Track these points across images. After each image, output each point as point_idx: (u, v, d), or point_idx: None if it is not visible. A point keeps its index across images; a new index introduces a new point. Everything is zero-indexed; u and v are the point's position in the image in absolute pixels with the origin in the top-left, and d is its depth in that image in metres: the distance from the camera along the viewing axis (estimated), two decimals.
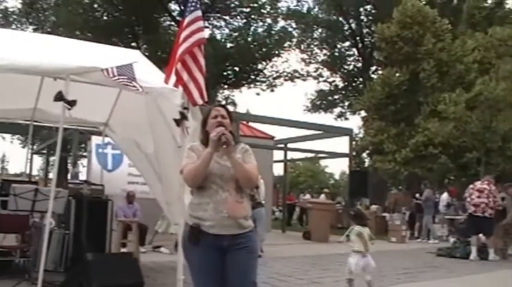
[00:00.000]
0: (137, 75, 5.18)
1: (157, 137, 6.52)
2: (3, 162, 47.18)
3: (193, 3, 5.33)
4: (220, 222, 3.12)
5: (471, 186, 11.32)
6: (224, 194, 3.17)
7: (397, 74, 21.01)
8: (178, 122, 5.47)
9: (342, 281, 7.47)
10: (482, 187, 10.93)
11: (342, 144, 26.25)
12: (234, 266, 3.16)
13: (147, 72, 5.83)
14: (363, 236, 5.96)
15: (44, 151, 22.51)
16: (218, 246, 3.13)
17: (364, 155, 27.91)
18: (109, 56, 6.01)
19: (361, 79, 32.97)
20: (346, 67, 35.01)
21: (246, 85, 35.03)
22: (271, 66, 34.09)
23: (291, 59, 79.03)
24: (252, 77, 34.43)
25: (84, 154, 17.84)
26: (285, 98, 75.60)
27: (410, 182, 22.40)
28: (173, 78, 5.34)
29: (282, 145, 18.36)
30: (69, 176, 11.66)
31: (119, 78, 4.94)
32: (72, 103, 4.85)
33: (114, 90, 6.63)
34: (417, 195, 16.87)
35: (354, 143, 20.39)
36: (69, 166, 15.24)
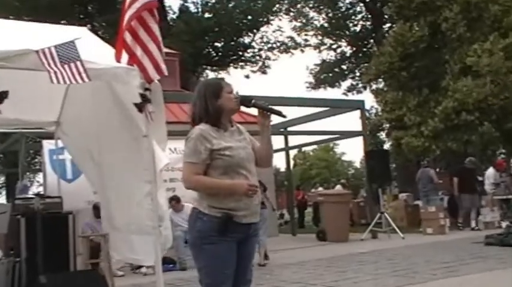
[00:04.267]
0: (83, 55, 5.14)
1: (110, 134, 6.49)
2: None
3: None
4: (252, 210, 3.57)
5: None
6: (253, 179, 3.59)
7: (416, 29, 20.53)
8: (140, 107, 5.44)
9: (361, 282, 7.51)
10: None
11: (354, 122, 26.24)
12: (247, 253, 3.67)
13: (96, 51, 5.78)
14: None
15: None
16: (243, 235, 3.56)
17: (382, 134, 27.69)
18: (48, 35, 5.93)
19: (372, 41, 32.74)
20: (352, 29, 34.80)
21: (232, 64, 34.93)
22: (261, 38, 33.99)
23: (284, 27, 78.30)
24: (239, 53, 34.32)
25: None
26: (282, 78, 75.30)
27: (449, 160, 22.04)
28: (125, 55, 5.31)
29: (282, 129, 18.33)
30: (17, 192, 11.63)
31: (59, 65, 4.88)
32: (3, 95, 4.81)
33: None
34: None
35: (367, 119, 20.24)
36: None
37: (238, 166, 3.52)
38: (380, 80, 24.04)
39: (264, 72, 35.52)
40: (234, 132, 3.68)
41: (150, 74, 5.15)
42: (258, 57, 34.98)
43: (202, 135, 3.51)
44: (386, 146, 28.64)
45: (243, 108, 3.81)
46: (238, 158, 3.53)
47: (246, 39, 33.67)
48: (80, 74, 4.84)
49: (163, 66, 5.18)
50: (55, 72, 4.68)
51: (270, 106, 3.66)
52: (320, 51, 35.50)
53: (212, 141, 3.50)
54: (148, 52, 5.12)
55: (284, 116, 3.71)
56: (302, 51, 35.65)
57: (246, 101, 3.66)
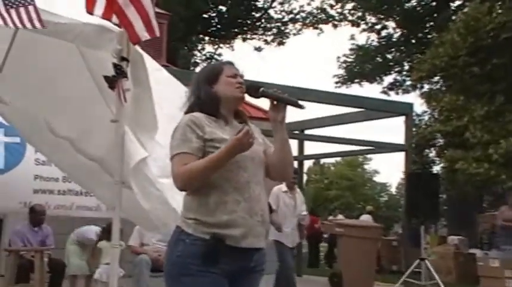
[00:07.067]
0: (39, 1, 5.05)
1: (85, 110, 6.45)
2: None
3: None
4: (254, 229, 3.52)
5: None
6: (257, 188, 3.59)
7: (498, 11, 19.98)
8: (111, 82, 5.33)
9: None
10: None
11: (395, 132, 26.22)
12: None
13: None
14: None
15: None
16: (238, 267, 3.51)
17: (433, 151, 27.37)
18: None
19: (431, 24, 32.35)
20: (406, 5, 34.38)
21: (240, 37, 34.89)
22: (281, 3, 33.86)
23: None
24: (249, 21, 34.26)
25: None
26: (304, 64, 75.35)
27: None
28: (101, 2, 5.17)
29: (296, 132, 18.28)
30: None
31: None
32: None
33: (6, 30, 6.51)
34: None
35: (415, 129, 20.10)
36: None
37: (238, 165, 3.50)
38: (436, 79, 23.90)
39: (281, 42, 35.32)
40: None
41: (137, 31, 5.04)
42: (273, 29, 34.99)
43: (193, 121, 3.56)
44: (437, 168, 28.36)
45: (248, 99, 3.82)
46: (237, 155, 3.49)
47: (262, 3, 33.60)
48: (31, 20, 4.75)
49: (154, 23, 5.08)
50: None
51: (284, 95, 3.67)
52: (358, 27, 35.08)
53: (205, 129, 3.54)
54: (137, 2, 5.02)
55: (301, 107, 3.67)
56: (335, 26, 35.30)
57: (253, 89, 3.70)
